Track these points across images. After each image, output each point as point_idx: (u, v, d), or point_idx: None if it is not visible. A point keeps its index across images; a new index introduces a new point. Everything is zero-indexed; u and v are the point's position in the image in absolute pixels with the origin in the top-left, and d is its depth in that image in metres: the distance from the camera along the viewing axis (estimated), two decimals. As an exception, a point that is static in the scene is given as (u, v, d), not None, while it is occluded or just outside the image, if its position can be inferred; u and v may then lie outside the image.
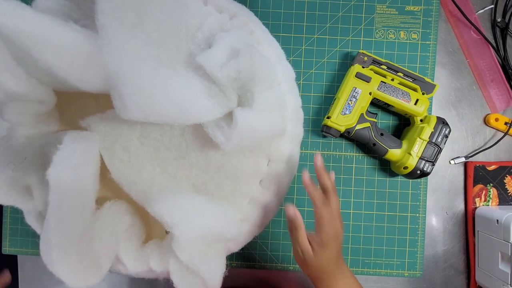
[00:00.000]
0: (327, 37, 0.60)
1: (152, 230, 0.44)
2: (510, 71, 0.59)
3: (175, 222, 0.33)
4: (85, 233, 0.33)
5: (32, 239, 0.62)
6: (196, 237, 0.34)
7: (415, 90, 0.55)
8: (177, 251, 0.35)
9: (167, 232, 0.42)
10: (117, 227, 0.39)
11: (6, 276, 0.52)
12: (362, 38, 0.60)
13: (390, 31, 0.60)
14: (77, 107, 0.48)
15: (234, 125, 0.35)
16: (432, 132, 0.54)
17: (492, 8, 0.60)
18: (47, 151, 0.37)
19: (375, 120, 0.56)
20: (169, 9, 0.34)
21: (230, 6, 0.43)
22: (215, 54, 0.35)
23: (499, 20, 0.60)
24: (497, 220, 0.53)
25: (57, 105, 0.42)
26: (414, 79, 0.56)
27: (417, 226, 0.60)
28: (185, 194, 0.37)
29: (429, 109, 0.59)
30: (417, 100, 0.55)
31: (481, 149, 0.60)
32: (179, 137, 0.40)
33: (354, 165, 0.60)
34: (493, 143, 0.59)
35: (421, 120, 0.56)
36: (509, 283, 0.50)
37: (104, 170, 0.40)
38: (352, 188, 0.60)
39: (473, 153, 0.60)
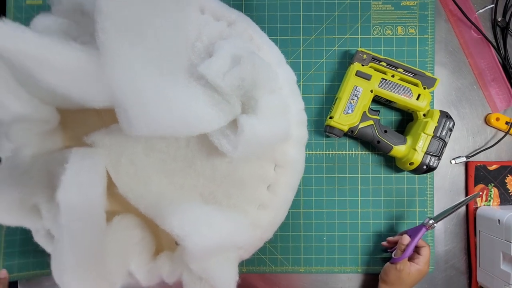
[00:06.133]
0: (324, 37, 0.60)
1: (162, 242, 0.44)
2: (511, 70, 0.59)
3: (186, 234, 0.33)
4: (98, 251, 0.33)
5: (33, 260, 0.58)
6: (207, 248, 0.34)
7: (416, 85, 0.55)
8: (190, 262, 0.35)
9: (177, 243, 0.42)
10: (127, 242, 0.39)
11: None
12: (359, 36, 0.60)
13: (387, 27, 0.60)
14: (79, 121, 0.47)
15: (240, 133, 0.35)
16: (436, 126, 0.53)
17: (492, 7, 0.59)
18: (53, 169, 0.37)
19: (378, 118, 0.56)
20: (168, 21, 0.34)
21: (228, 14, 0.43)
22: (216, 63, 0.35)
23: (499, 19, 0.59)
24: (499, 220, 0.52)
25: (60, 121, 0.42)
26: (415, 74, 0.55)
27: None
28: (194, 205, 0.37)
29: (431, 104, 0.59)
30: (419, 95, 0.54)
31: (482, 149, 0.59)
32: (185, 148, 0.40)
33: (359, 164, 0.60)
34: (494, 142, 0.59)
35: (424, 115, 0.56)
36: (511, 283, 0.50)
37: (111, 185, 0.39)
38: (359, 187, 0.60)
39: (474, 153, 0.59)
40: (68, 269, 0.30)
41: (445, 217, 0.53)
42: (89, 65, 0.30)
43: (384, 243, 0.58)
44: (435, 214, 0.59)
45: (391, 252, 0.57)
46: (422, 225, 0.53)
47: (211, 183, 0.42)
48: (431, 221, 0.52)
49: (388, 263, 0.54)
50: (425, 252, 0.52)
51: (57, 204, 0.30)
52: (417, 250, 0.53)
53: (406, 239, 0.52)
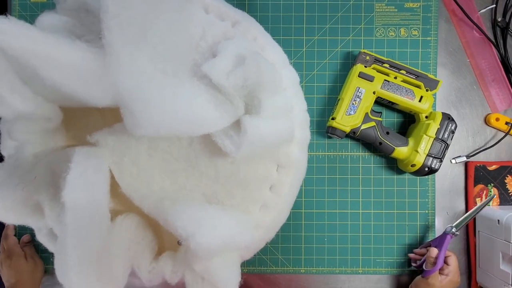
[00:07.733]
0: (327, 38, 0.60)
1: (165, 242, 0.44)
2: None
3: (190, 234, 0.33)
4: (102, 251, 0.33)
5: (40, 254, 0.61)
6: (211, 248, 0.34)
7: (418, 87, 0.55)
8: (193, 263, 0.35)
9: (179, 243, 0.42)
10: (130, 241, 0.39)
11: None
12: (362, 37, 0.60)
13: (390, 29, 0.60)
14: (81, 120, 0.47)
15: (243, 134, 0.35)
16: (438, 128, 0.53)
17: (493, 8, 0.59)
18: (56, 168, 0.37)
19: (380, 119, 0.56)
20: (172, 21, 0.34)
21: (232, 14, 0.43)
22: (220, 63, 0.35)
23: (499, 19, 0.60)
24: (498, 220, 0.52)
25: (62, 120, 0.42)
26: (417, 76, 0.56)
27: (427, 223, 0.60)
28: (197, 205, 0.37)
29: (433, 106, 0.59)
30: (421, 97, 0.55)
31: (482, 149, 0.59)
32: (188, 148, 0.40)
33: (360, 165, 0.60)
34: (494, 143, 0.59)
35: (426, 117, 0.56)
36: (510, 283, 0.50)
37: (114, 184, 0.39)
38: (360, 188, 0.60)
39: (474, 153, 0.59)
40: (71, 268, 0.30)
41: (465, 223, 0.54)
42: (94, 63, 0.29)
43: (412, 255, 0.58)
44: (436, 215, 0.60)
45: (416, 266, 0.56)
46: (446, 233, 0.53)
47: (214, 183, 0.42)
48: (454, 229, 0.53)
49: (419, 276, 0.54)
50: (452, 261, 0.52)
51: (62, 203, 0.30)
52: (444, 259, 0.53)
53: (434, 251, 0.52)
